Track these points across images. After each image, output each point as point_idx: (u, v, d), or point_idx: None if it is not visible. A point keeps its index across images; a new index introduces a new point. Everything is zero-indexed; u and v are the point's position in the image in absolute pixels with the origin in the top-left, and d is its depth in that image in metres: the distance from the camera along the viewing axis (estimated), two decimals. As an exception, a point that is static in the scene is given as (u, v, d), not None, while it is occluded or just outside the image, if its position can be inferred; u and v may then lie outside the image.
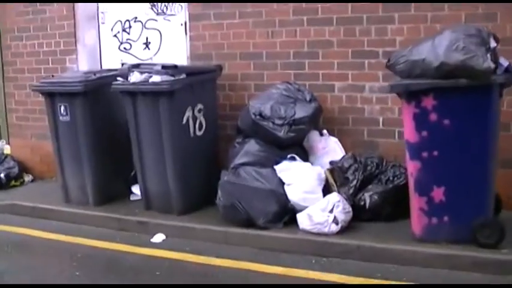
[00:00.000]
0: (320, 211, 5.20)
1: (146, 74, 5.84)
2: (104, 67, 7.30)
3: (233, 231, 5.50)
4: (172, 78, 5.78)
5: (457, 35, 4.55)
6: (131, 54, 7.30)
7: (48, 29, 7.75)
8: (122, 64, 6.41)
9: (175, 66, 5.87)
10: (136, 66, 6.02)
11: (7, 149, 8.18)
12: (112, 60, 7.35)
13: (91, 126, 6.34)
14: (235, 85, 6.66)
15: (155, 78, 5.78)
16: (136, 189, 6.53)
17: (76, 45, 7.61)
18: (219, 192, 5.64)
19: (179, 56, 6.88)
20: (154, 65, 6.01)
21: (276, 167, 5.65)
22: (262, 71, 6.50)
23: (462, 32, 4.58)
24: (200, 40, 6.80)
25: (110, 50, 7.42)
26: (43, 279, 4.91)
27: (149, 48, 7.19)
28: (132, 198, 6.62)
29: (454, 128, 4.64)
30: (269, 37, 6.41)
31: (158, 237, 5.72)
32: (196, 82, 6.02)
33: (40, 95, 6.71)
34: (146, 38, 7.20)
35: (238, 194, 5.49)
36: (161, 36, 7.09)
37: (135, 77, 5.88)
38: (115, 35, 7.39)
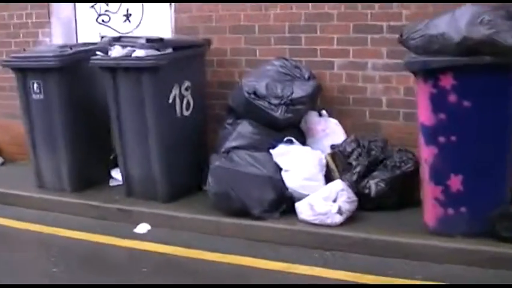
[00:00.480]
0: (322, 200, 4.77)
1: (128, 48, 5.38)
2: (81, 41, 6.79)
3: (225, 221, 5.05)
4: (158, 52, 5.34)
5: (481, 7, 4.13)
6: (110, 27, 6.80)
7: (19, -1, 7.24)
8: (102, 37, 5.93)
9: (161, 40, 5.40)
10: (118, 39, 5.55)
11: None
12: (89, 33, 6.84)
13: (67, 105, 5.86)
14: (224, 61, 6.20)
15: (139, 53, 5.33)
16: (116, 173, 6.08)
17: (49, 17, 7.08)
18: (209, 178, 5.19)
19: (163, 30, 6.38)
20: (138, 38, 5.53)
21: (273, 151, 5.20)
22: (254, 46, 6.04)
23: (486, 4, 4.15)
24: (186, 12, 6.31)
25: (87, 23, 6.92)
26: (20, 279, 4.38)
27: (129, 21, 6.70)
28: (112, 183, 6.16)
29: (475, 110, 4.23)
30: (262, 9, 5.95)
31: (142, 227, 5.26)
32: (183, 57, 5.56)
33: (10, 70, 6.18)
34: (127, 10, 6.70)
35: (231, 180, 5.04)
36: (143, 7, 6.59)
37: (116, 51, 5.42)
38: (93, 6, 6.87)
